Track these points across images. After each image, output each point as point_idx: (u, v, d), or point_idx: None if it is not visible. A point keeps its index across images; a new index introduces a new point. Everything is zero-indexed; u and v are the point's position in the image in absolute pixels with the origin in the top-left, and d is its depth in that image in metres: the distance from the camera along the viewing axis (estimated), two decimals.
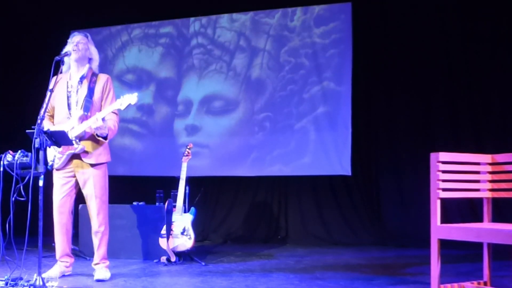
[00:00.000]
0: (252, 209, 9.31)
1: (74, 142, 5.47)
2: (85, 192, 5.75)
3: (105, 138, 5.65)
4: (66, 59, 5.62)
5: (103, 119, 5.51)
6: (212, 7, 9.48)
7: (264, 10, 9.28)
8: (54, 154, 5.63)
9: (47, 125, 5.48)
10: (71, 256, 5.93)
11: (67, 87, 5.73)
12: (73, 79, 5.75)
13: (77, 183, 5.77)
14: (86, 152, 5.63)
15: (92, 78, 5.77)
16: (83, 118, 5.57)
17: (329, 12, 8.96)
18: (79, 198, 5.94)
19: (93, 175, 5.69)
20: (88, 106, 5.63)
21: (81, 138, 5.58)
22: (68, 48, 5.68)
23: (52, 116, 5.83)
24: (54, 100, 5.73)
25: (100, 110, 5.67)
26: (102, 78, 5.84)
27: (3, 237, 4.76)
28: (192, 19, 9.64)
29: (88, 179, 5.69)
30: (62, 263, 5.83)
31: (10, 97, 10.05)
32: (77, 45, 5.68)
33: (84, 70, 5.76)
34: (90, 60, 5.83)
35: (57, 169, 5.71)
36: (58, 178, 5.74)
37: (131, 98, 5.51)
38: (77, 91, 5.70)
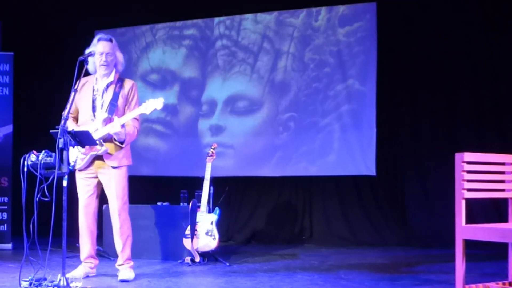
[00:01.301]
0: (277, 209, 9.29)
1: (98, 142, 5.47)
2: (107, 192, 5.78)
3: (121, 143, 5.67)
4: (90, 58, 5.62)
5: (122, 125, 5.52)
6: (236, 7, 9.47)
7: (288, 10, 9.23)
8: (76, 155, 5.62)
9: (71, 126, 5.52)
10: (96, 258, 5.97)
11: (93, 90, 5.77)
12: (99, 84, 5.78)
13: (99, 184, 5.80)
14: (109, 154, 5.65)
15: (118, 83, 5.79)
16: (107, 121, 5.58)
17: (354, 12, 8.90)
18: (103, 199, 5.95)
19: (115, 176, 5.71)
20: (113, 110, 5.65)
21: (104, 140, 5.59)
22: (92, 49, 5.68)
23: (75, 118, 5.86)
24: (79, 103, 5.76)
25: (123, 115, 5.69)
26: (128, 83, 5.85)
27: (27, 238, 4.79)
28: (216, 19, 9.63)
29: (110, 180, 5.72)
30: (86, 264, 5.86)
31: (34, 97, 10.12)
32: (106, 59, 5.70)
33: (111, 76, 5.79)
34: (116, 64, 5.85)
35: (79, 170, 5.74)
36: (81, 179, 5.78)
37: (156, 103, 5.52)
38: (102, 95, 5.73)
